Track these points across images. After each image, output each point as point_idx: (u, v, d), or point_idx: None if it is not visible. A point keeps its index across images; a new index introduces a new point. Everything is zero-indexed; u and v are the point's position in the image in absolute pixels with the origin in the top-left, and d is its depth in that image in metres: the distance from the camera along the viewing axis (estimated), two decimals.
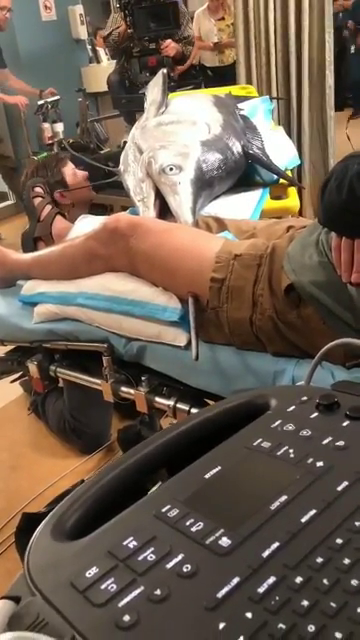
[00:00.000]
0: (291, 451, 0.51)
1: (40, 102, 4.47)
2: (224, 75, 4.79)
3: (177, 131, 1.78)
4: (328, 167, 3.65)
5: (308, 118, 3.64)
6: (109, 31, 3.98)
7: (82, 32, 5.75)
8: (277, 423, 0.56)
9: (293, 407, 0.58)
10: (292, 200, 1.92)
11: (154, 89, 2.05)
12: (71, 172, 2.07)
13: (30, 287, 1.59)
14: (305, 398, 0.59)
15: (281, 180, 2.04)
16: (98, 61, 6.02)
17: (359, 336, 1.07)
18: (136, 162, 1.74)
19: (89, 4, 6.45)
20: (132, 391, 1.42)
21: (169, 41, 3.89)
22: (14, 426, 2.57)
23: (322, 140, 3.67)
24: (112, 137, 4.74)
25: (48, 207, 1.97)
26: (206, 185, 1.70)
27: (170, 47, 3.89)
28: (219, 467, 0.51)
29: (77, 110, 4.34)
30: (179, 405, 1.33)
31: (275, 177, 2.01)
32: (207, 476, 0.50)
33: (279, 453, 0.51)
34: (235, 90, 2.72)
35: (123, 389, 1.45)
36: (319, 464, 0.48)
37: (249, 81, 3.77)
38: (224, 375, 1.25)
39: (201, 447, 0.57)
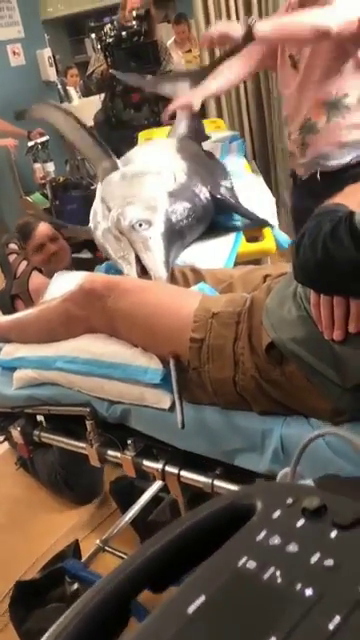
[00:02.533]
0: (278, 574, 0.47)
1: (30, 143, 4.51)
2: None
3: (143, 183, 1.77)
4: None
5: (272, 154, 3.65)
6: (91, 70, 4.04)
7: (52, 74, 5.84)
8: (262, 535, 0.52)
9: (279, 513, 0.54)
10: (268, 242, 1.89)
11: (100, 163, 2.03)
12: (37, 244, 1.95)
13: (9, 351, 1.56)
14: (290, 501, 0.55)
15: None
16: (69, 100, 6.06)
17: (344, 394, 1.05)
18: (105, 219, 1.72)
19: (57, 42, 6.52)
20: (119, 455, 1.38)
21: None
22: (3, 482, 2.51)
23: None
24: None
25: (24, 263, 1.94)
26: (177, 236, 1.68)
27: None
28: (203, 597, 0.47)
29: (58, 150, 4.34)
30: (168, 468, 1.29)
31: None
32: (190, 610, 0.46)
33: (266, 577, 0.47)
34: (204, 124, 2.73)
35: (110, 453, 1.41)
36: (308, 592, 0.45)
37: (219, 114, 3.81)
38: (211, 436, 1.21)
39: (186, 558, 0.53)
